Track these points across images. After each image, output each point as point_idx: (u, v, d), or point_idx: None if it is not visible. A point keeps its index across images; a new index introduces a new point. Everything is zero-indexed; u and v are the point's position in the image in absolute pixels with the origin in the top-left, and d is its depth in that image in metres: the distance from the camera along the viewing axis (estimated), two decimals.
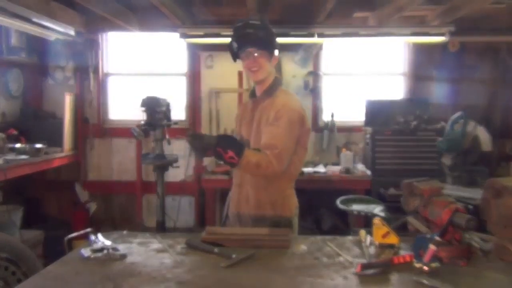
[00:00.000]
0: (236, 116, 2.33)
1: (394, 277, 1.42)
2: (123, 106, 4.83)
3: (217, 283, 1.38)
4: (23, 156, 3.72)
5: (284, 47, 4.45)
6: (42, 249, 3.89)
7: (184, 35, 4.10)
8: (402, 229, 1.84)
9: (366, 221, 3.31)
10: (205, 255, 1.62)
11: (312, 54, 4.62)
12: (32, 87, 4.69)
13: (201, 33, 4.09)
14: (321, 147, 4.60)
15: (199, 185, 4.49)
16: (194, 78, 4.74)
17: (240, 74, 4.52)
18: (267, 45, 2.07)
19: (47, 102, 4.78)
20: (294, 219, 2.13)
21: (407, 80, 4.77)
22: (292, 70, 4.65)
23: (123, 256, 1.59)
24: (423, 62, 4.63)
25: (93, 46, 4.67)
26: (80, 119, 4.73)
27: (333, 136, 4.59)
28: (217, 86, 4.65)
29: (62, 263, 1.55)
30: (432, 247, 1.44)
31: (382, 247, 1.60)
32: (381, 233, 1.63)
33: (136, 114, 3.98)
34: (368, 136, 4.24)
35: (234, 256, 1.55)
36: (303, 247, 1.70)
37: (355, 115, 4.63)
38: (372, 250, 1.61)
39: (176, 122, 4.12)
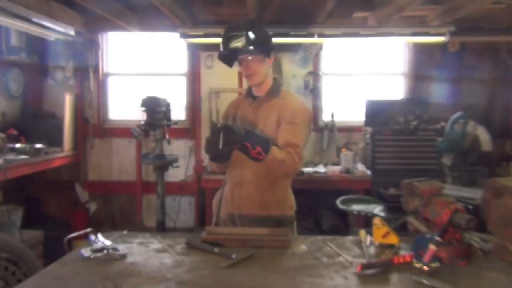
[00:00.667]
0: (225, 114, 2.26)
1: (394, 277, 1.42)
2: (123, 106, 4.83)
3: (217, 283, 1.38)
4: (23, 156, 3.72)
5: (284, 47, 4.46)
6: (42, 249, 3.89)
7: (184, 35, 4.11)
8: (402, 229, 1.84)
9: (366, 221, 3.31)
10: (205, 255, 1.62)
11: (312, 54, 4.62)
12: (32, 87, 4.69)
13: (201, 33, 4.09)
14: (321, 147, 4.60)
15: (199, 185, 4.50)
16: (194, 78, 4.74)
17: (240, 74, 4.52)
18: (258, 50, 2.01)
19: (47, 102, 4.78)
20: (294, 217, 2.14)
21: (407, 80, 4.77)
22: (292, 70, 4.65)
23: (123, 256, 1.59)
24: (423, 62, 4.63)
25: (93, 46, 4.67)
26: (80, 119, 4.73)
27: (333, 136, 4.59)
28: (217, 86, 4.65)
29: (62, 263, 1.55)
30: (432, 247, 1.44)
31: (382, 247, 1.60)
32: (381, 233, 1.63)
33: (136, 114, 3.98)
34: (368, 136, 4.24)
35: (234, 256, 1.54)
36: (303, 247, 1.70)
37: (355, 115, 4.63)
38: (372, 250, 1.61)
39: (176, 122, 4.12)
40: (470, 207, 2.79)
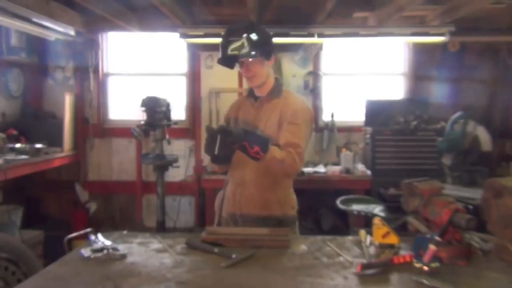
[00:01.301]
0: (227, 116, 2.27)
1: (394, 277, 1.42)
2: (123, 106, 4.83)
3: (217, 283, 1.38)
4: (23, 156, 3.72)
5: (284, 47, 4.46)
6: (42, 249, 3.89)
7: (184, 35, 4.11)
8: (402, 229, 1.84)
9: (366, 221, 3.31)
10: (205, 255, 1.62)
11: (312, 54, 4.62)
12: (32, 87, 4.69)
13: (201, 33, 4.09)
14: (321, 147, 4.60)
15: (199, 185, 4.50)
16: (194, 78, 4.74)
17: (240, 74, 4.51)
18: (258, 52, 2.00)
19: (47, 102, 4.78)
20: (296, 217, 2.14)
21: (407, 80, 4.77)
22: (292, 70, 4.65)
23: (123, 256, 1.58)
24: (423, 62, 4.63)
25: (93, 46, 4.67)
26: (80, 119, 4.73)
27: (333, 136, 4.59)
28: (217, 86, 4.65)
29: (62, 263, 1.55)
30: (432, 247, 1.44)
31: (382, 247, 1.60)
32: (381, 233, 1.63)
33: (136, 114, 3.98)
34: (368, 136, 4.24)
35: (234, 256, 1.54)
36: (303, 247, 1.70)
37: (355, 115, 4.63)
38: (372, 250, 1.61)
39: (176, 122, 4.12)
40: (470, 207, 2.79)
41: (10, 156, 3.63)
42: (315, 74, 4.65)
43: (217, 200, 2.26)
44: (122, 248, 1.64)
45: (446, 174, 3.84)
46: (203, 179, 4.17)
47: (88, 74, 4.69)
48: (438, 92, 4.53)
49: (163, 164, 3.94)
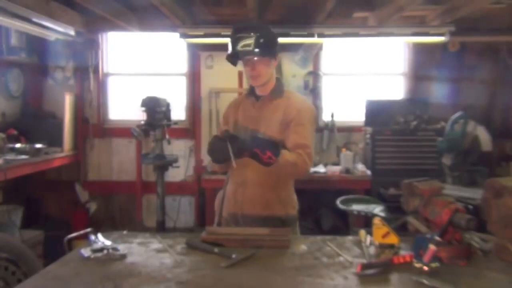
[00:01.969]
0: (226, 115, 2.26)
1: (394, 277, 1.42)
2: (123, 106, 4.83)
3: (217, 283, 1.38)
4: (23, 156, 3.72)
5: (284, 47, 4.46)
6: (42, 249, 3.90)
7: (184, 35, 4.10)
8: (402, 229, 1.84)
9: (366, 221, 3.31)
10: (205, 255, 1.62)
11: (312, 54, 4.62)
12: (32, 87, 4.69)
13: (201, 33, 4.09)
14: (321, 147, 4.60)
15: (199, 185, 4.50)
16: (194, 78, 4.74)
17: (240, 74, 4.52)
18: (267, 51, 2.03)
19: (47, 102, 4.78)
20: (297, 216, 2.14)
21: (407, 80, 4.77)
22: (292, 70, 4.65)
23: (123, 256, 1.59)
24: (423, 62, 4.63)
25: (93, 46, 4.67)
26: (80, 119, 4.73)
27: (333, 136, 4.59)
28: (217, 86, 4.65)
29: (62, 263, 1.55)
30: (432, 247, 1.44)
31: (382, 247, 1.60)
32: (381, 233, 1.63)
33: (136, 114, 3.98)
34: (368, 136, 4.24)
35: (234, 256, 1.54)
36: (303, 247, 1.70)
37: (355, 115, 4.63)
38: (372, 250, 1.61)
39: (176, 122, 4.12)
40: (470, 207, 2.79)
41: (10, 156, 3.63)
42: (315, 74, 4.65)
43: (217, 200, 2.25)
44: (122, 248, 1.64)
45: (446, 174, 3.84)
46: (203, 179, 4.17)
47: (88, 74, 4.69)
48: (438, 92, 4.53)
49: (163, 164, 3.94)
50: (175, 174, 4.59)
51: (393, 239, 1.61)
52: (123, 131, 4.56)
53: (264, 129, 2.04)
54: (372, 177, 4.06)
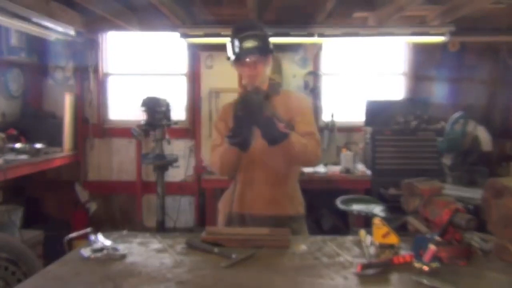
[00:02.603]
0: (223, 116, 2.19)
1: (394, 277, 1.42)
2: (123, 106, 4.83)
3: (217, 283, 1.38)
4: (23, 156, 3.72)
5: (284, 47, 4.46)
6: (42, 249, 3.90)
7: (184, 35, 4.10)
8: (402, 229, 1.84)
9: (366, 221, 3.31)
10: (205, 255, 1.62)
11: (312, 54, 4.61)
12: (32, 87, 4.69)
13: (201, 33, 4.09)
14: (321, 147, 4.59)
15: (199, 185, 4.50)
16: (194, 78, 4.74)
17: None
18: (266, 52, 2.04)
19: (47, 102, 4.78)
20: (304, 213, 2.14)
21: (407, 80, 4.77)
22: (292, 70, 4.65)
23: (123, 256, 1.58)
24: (423, 62, 4.63)
25: (93, 46, 4.68)
26: (80, 119, 4.73)
27: (333, 136, 4.59)
28: (217, 86, 4.65)
29: (62, 263, 1.55)
30: (432, 247, 1.44)
31: (382, 247, 1.60)
32: (381, 233, 1.63)
33: (136, 114, 3.98)
34: (368, 136, 4.24)
35: (234, 256, 1.54)
36: (303, 247, 1.70)
37: (355, 115, 4.63)
38: (372, 250, 1.61)
39: (176, 122, 4.12)
40: (470, 207, 2.79)
41: (10, 156, 3.64)
42: (315, 74, 4.65)
43: (223, 200, 2.21)
44: (122, 248, 1.64)
45: (446, 174, 3.84)
46: (203, 179, 4.17)
47: (88, 74, 4.70)
48: (438, 92, 4.53)
49: (163, 164, 3.94)
50: (175, 174, 4.59)
51: (393, 239, 1.61)
52: (123, 131, 4.56)
53: None
54: (372, 177, 4.06)
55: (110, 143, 4.81)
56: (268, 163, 1.99)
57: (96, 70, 4.73)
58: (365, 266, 1.44)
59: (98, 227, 1.86)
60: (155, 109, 3.81)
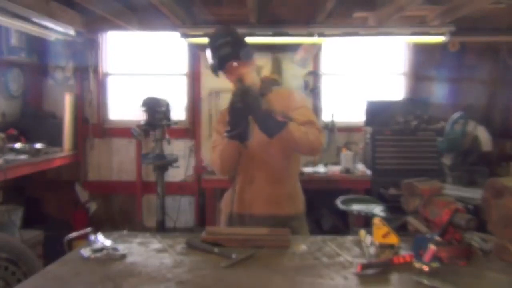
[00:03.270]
0: (220, 120, 2.22)
1: (394, 277, 1.42)
2: (123, 106, 4.83)
3: (217, 283, 1.38)
4: (23, 156, 3.72)
5: (284, 47, 4.46)
6: (42, 249, 3.90)
7: (184, 35, 4.11)
8: (402, 229, 1.84)
9: (366, 221, 3.31)
10: (205, 255, 1.62)
11: (312, 54, 4.61)
12: (32, 87, 4.69)
13: (201, 33, 4.09)
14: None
15: (199, 185, 4.50)
16: (194, 78, 4.74)
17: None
18: (243, 55, 2.05)
19: (47, 102, 4.78)
20: (305, 212, 2.14)
21: (407, 80, 4.77)
22: (292, 70, 4.65)
23: (123, 256, 1.58)
24: (423, 62, 4.63)
25: (93, 46, 4.68)
26: (80, 119, 4.73)
27: (333, 136, 4.59)
28: (217, 86, 4.64)
29: (62, 263, 1.55)
30: (432, 247, 1.44)
31: (382, 247, 1.60)
32: (381, 233, 1.63)
33: (136, 114, 3.98)
34: (368, 136, 4.24)
35: (234, 256, 1.54)
36: (303, 247, 1.70)
37: (355, 115, 4.63)
38: (372, 250, 1.60)
39: (176, 122, 4.12)
40: (470, 207, 2.79)
41: (10, 156, 3.64)
42: (315, 74, 4.65)
43: (224, 200, 2.21)
44: (122, 248, 1.64)
45: (446, 174, 3.84)
46: (203, 179, 4.17)
47: (88, 74, 4.70)
48: (438, 92, 4.53)
49: (163, 164, 3.94)
50: (175, 174, 4.59)
51: (393, 239, 1.61)
52: (123, 131, 4.56)
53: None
54: (372, 177, 4.06)
55: (110, 143, 4.81)
56: (267, 162, 1.99)
57: (96, 70, 4.73)
58: (365, 266, 1.44)
59: (98, 227, 1.86)
60: (155, 109, 3.81)
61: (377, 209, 3.22)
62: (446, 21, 4.00)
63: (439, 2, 3.97)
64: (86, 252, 1.58)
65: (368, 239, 1.66)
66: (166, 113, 3.96)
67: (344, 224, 4.02)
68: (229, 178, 2.18)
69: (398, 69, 4.82)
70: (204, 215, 4.30)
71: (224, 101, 4.64)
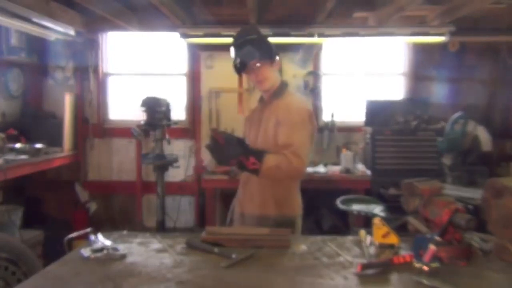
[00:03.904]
0: (246, 117, 2.38)
1: (394, 277, 1.42)
2: (123, 106, 4.83)
3: (217, 283, 1.38)
4: (23, 156, 3.72)
5: (284, 47, 4.45)
6: (42, 249, 3.90)
7: (184, 35, 4.11)
8: (402, 229, 1.84)
9: (366, 221, 3.31)
10: (205, 255, 1.62)
11: (312, 54, 4.62)
12: (32, 87, 4.69)
13: (201, 33, 4.09)
14: (321, 147, 4.60)
15: (199, 185, 4.49)
16: (194, 78, 4.74)
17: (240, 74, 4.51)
18: (267, 55, 2.08)
19: (47, 102, 4.78)
20: (298, 219, 2.14)
21: (407, 80, 4.77)
22: (292, 70, 4.65)
23: (123, 256, 1.59)
24: (423, 62, 4.63)
25: (93, 46, 4.68)
26: (80, 119, 4.73)
27: (333, 136, 4.59)
28: (217, 86, 4.66)
29: (62, 263, 1.55)
30: (432, 247, 1.44)
31: (382, 247, 1.60)
32: (381, 233, 1.63)
33: (136, 114, 3.98)
34: (368, 136, 4.24)
35: (234, 256, 1.55)
36: (303, 247, 1.70)
37: (355, 115, 4.63)
38: (372, 250, 1.61)
39: (176, 122, 4.12)
40: (470, 207, 2.79)
41: (10, 156, 3.63)
42: (315, 74, 4.65)
43: (233, 202, 2.34)
44: (122, 248, 1.64)
45: (446, 174, 3.84)
46: (203, 179, 4.17)
47: (88, 74, 4.70)
48: (438, 92, 4.53)
49: (163, 164, 3.94)
50: (175, 174, 4.59)
51: (393, 239, 1.61)
52: (123, 131, 4.56)
53: (262, 133, 2.07)
54: (372, 177, 4.06)
55: (110, 143, 4.81)
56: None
57: (96, 70, 4.73)
58: (365, 266, 1.44)
59: (98, 227, 1.86)
60: (155, 109, 3.81)
61: (377, 209, 3.22)
62: (446, 21, 4.00)
63: (439, 2, 3.96)
64: (86, 252, 1.58)
65: (368, 239, 1.66)
66: (166, 113, 3.96)
67: (344, 224, 4.02)
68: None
69: (398, 69, 4.82)
70: (204, 215, 4.30)
71: (224, 101, 4.67)
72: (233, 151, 1.88)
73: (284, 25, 4.18)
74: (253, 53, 2.03)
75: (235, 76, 4.56)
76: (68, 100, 4.54)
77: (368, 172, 4.12)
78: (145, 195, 4.69)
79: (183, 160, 4.64)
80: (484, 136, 3.87)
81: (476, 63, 4.58)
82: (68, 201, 4.70)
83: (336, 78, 4.83)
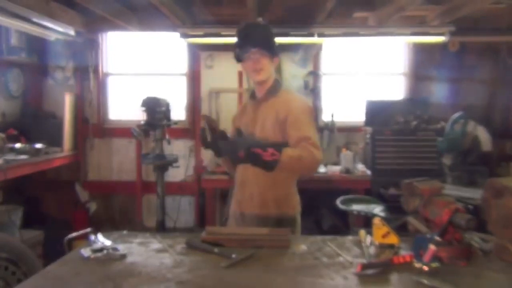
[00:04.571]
0: (234, 117, 2.33)
1: (394, 277, 1.42)
2: (123, 106, 4.83)
3: (217, 283, 1.38)
4: (23, 156, 3.72)
5: (284, 47, 4.46)
6: (42, 249, 3.90)
7: (184, 35, 4.10)
8: (402, 229, 1.84)
9: (366, 221, 3.31)
10: (205, 255, 1.62)
11: (312, 54, 4.62)
12: (32, 87, 4.69)
13: (201, 33, 4.09)
14: (321, 147, 4.58)
15: (199, 185, 4.49)
16: (194, 78, 4.74)
17: (240, 74, 4.52)
18: (270, 47, 2.09)
19: (47, 102, 4.78)
20: (297, 216, 2.14)
21: (407, 80, 4.77)
22: (292, 70, 4.65)
23: (123, 256, 1.59)
24: (423, 62, 4.63)
25: (93, 46, 4.68)
26: (80, 119, 4.73)
27: (333, 136, 4.59)
28: (217, 86, 4.65)
29: (62, 263, 1.55)
30: (432, 247, 1.44)
31: (382, 247, 1.60)
32: (381, 233, 1.63)
33: (136, 114, 3.98)
34: (368, 136, 4.24)
35: (234, 256, 1.55)
36: (303, 247, 1.70)
37: (355, 115, 4.63)
38: (372, 250, 1.61)
39: (176, 122, 4.12)
40: (470, 207, 2.79)
41: (10, 156, 3.64)
42: (315, 74, 4.65)
43: (227, 201, 2.33)
44: (122, 248, 1.64)
45: (446, 174, 3.84)
46: (203, 179, 4.17)
47: (88, 74, 4.69)
48: (438, 92, 4.53)
49: (163, 164, 3.94)
50: (175, 174, 4.58)
51: (393, 239, 1.61)
52: (123, 131, 4.56)
53: (259, 130, 2.06)
54: (372, 177, 4.05)
55: (110, 143, 4.81)
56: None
57: (96, 70, 4.73)
58: (365, 266, 1.44)
59: (98, 227, 1.87)
60: (155, 109, 3.81)
61: (377, 209, 3.22)
62: (446, 21, 4.00)
63: (439, 2, 3.97)
64: (86, 252, 1.58)
65: (368, 239, 1.66)
66: (166, 113, 3.96)
67: (344, 224, 4.02)
68: (230, 177, 2.27)
69: (398, 69, 4.82)
70: (204, 215, 4.30)
71: (224, 101, 4.67)
72: (244, 142, 1.85)
73: (284, 25, 4.18)
74: (257, 40, 2.05)
75: (235, 76, 4.61)
76: (68, 100, 4.54)
77: (368, 172, 4.12)
78: (145, 195, 4.69)
79: (183, 160, 4.64)
80: (484, 136, 3.88)
81: (476, 63, 4.58)
82: (68, 201, 4.70)
83: (336, 78, 4.83)
